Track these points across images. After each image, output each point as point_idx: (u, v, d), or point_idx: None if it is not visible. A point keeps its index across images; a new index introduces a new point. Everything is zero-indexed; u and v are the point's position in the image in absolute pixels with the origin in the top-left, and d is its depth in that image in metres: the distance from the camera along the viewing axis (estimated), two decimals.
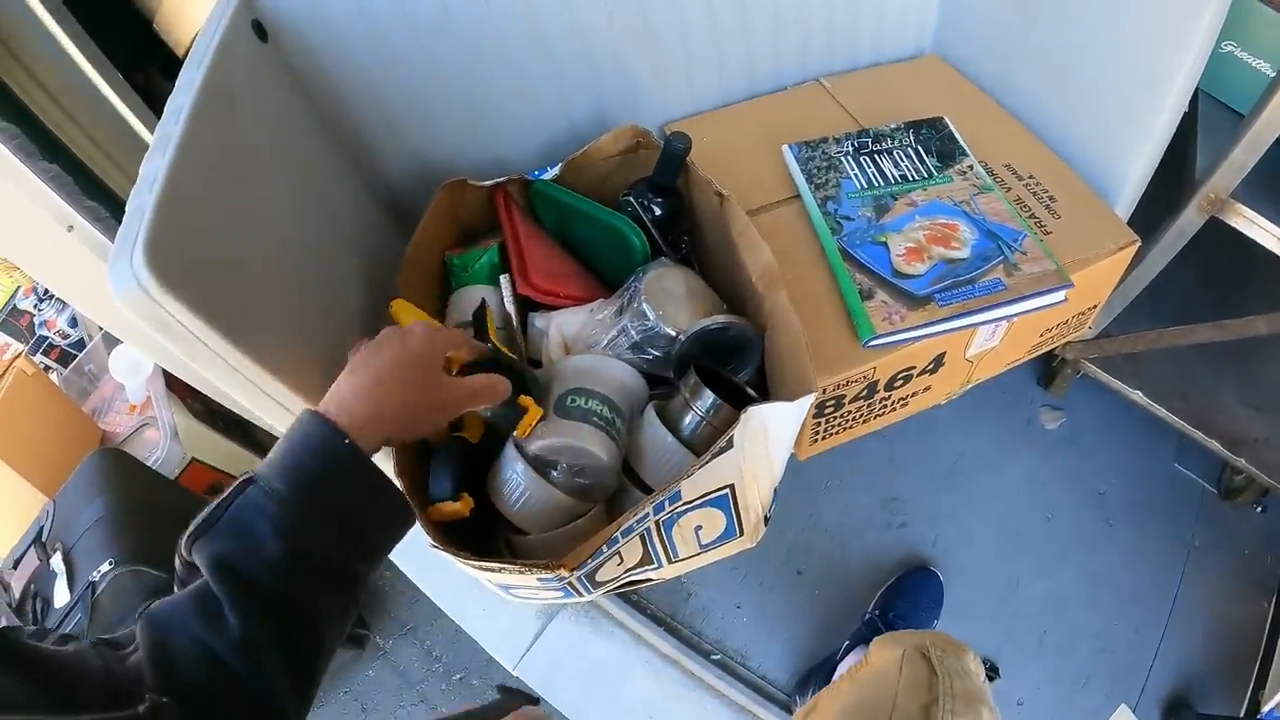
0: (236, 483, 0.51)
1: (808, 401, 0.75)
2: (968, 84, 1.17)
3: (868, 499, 1.35)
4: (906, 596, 1.23)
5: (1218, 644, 1.34)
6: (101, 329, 1.36)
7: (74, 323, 1.37)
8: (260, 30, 0.82)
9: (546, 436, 0.77)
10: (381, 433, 0.56)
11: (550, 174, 1.00)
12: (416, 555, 1.23)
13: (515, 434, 0.75)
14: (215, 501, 0.50)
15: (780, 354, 0.84)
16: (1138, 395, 1.29)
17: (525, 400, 0.74)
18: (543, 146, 1.08)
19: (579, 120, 1.08)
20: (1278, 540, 1.40)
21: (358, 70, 0.91)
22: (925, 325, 0.86)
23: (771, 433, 0.76)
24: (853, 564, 1.30)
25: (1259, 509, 1.43)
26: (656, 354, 0.87)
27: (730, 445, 0.72)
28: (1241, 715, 1.26)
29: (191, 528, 0.49)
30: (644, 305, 0.85)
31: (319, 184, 0.89)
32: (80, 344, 1.37)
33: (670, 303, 0.86)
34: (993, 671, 1.27)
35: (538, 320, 0.92)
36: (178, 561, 0.50)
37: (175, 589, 0.50)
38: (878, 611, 1.21)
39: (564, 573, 0.72)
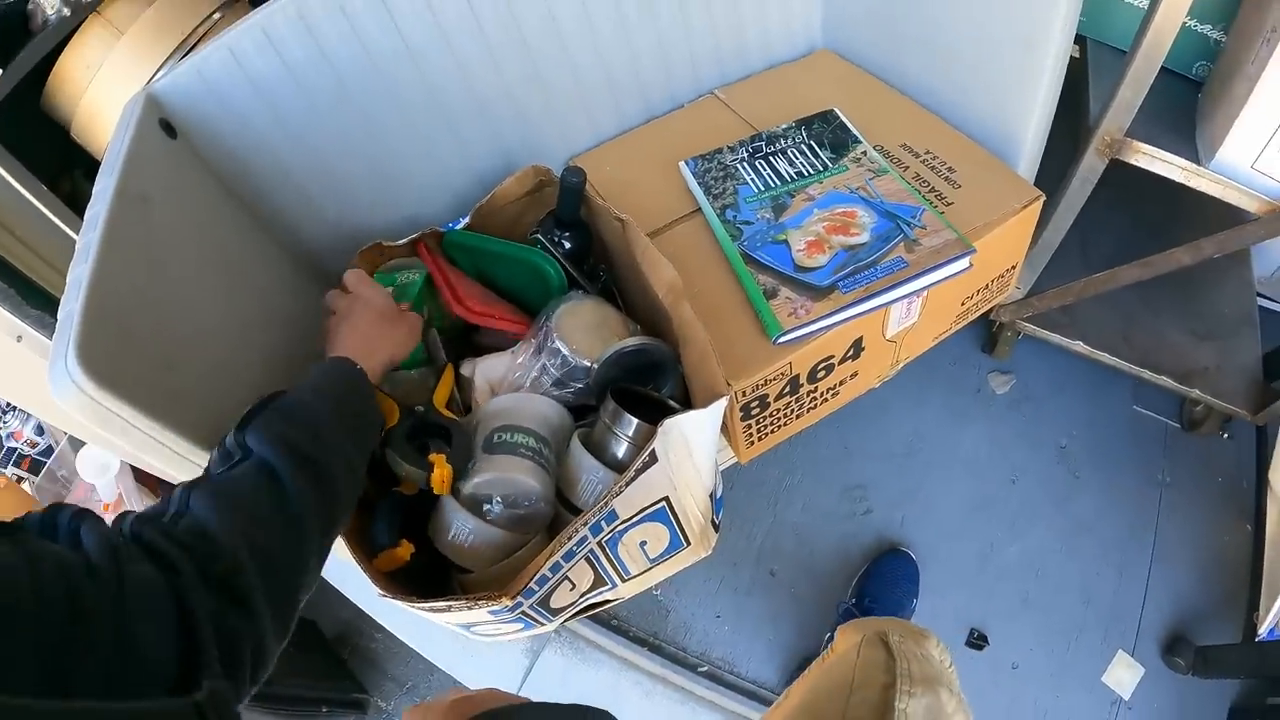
0: (271, 394, 0.62)
1: (720, 406, 0.75)
2: (859, 72, 1.17)
3: (829, 490, 1.35)
4: (881, 580, 1.22)
5: (1206, 575, 1.33)
6: (66, 433, 1.36)
7: (40, 430, 1.38)
8: (169, 128, 0.84)
9: (478, 475, 0.78)
10: (379, 367, 0.74)
11: (462, 224, 1.02)
12: (402, 615, 1.23)
13: (434, 490, 0.76)
14: (258, 401, 0.61)
15: (692, 365, 0.85)
16: (1079, 346, 1.29)
17: (434, 458, 0.75)
18: (454, 199, 1.09)
19: (484, 169, 1.09)
20: (1249, 463, 1.39)
21: (267, 153, 0.93)
22: (831, 314, 0.86)
23: (692, 441, 0.76)
24: (824, 557, 1.30)
25: (1225, 435, 1.42)
26: (578, 386, 0.88)
27: (654, 459, 0.73)
28: (1240, 640, 1.24)
29: (239, 421, 0.58)
30: (557, 342, 0.86)
31: (243, 265, 0.91)
32: (49, 451, 1.37)
33: (581, 335, 0.87)
34: (982, 640, 1.26)
35: (463, 368, 0.93)
36: (215, 455, 0.59)
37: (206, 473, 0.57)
38: (854, 600, 1.21)
39: (507, 601, 0.73)
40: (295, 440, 0.56)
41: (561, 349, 0.85)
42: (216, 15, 1.07)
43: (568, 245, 0.97)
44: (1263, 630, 1.15)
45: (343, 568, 1.25)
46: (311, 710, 1.29)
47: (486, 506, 0.79)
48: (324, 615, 1.44)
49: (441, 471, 0.75)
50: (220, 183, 0.91)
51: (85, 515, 0.46)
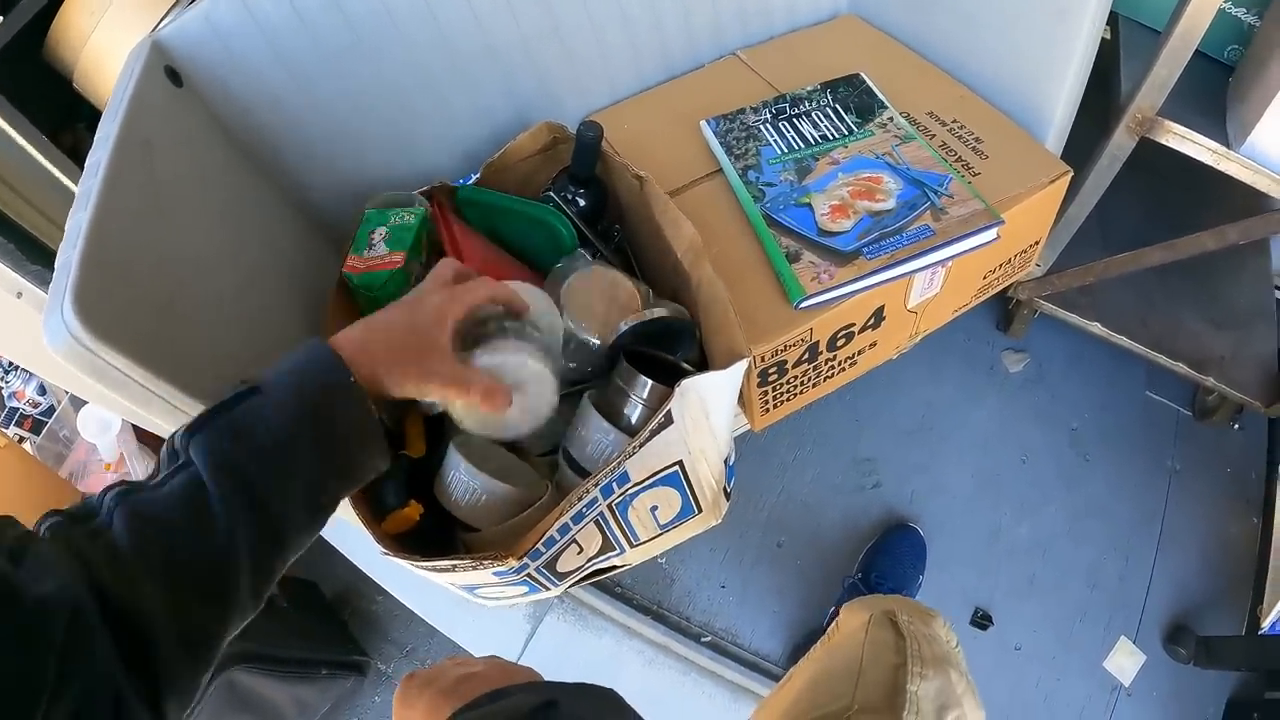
0: (238, 389, 0.50)
1: (740, 368, 0.72)
2: (886, 39, 1.12)
3: (838, 463, 1.31)
4: (888, 556, 1.19)
5: (1212, 565, 1.29)
6: (68, 392, 1.32)
7: (42, 390, 1.34)
8: (174, 76, 0.80)
9: (479, 358, 0.68)
10: (392, 385, 0.55)
11: (473, 180, 0.97)
12: (403, 577, 1.20)
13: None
14: (216, 403, 0.50)
15: (712, 326, 0.81)
16: (1096, 327, 1.25)
17: (414, 506, 0.73)
18: (467, 155, 1.05)
19: (500, 123, 1.04)
20: (1259, 455, 1.36)
21: (276, 103, 0.88)
22: (855, 280, 0.81)
23: (710, 404, 0.72)
24: (831, 530, 1.26)
25: (1235, 426, 1.38)
26: (588, 368, 0.83)
27: (670, 420, 0.69)
28: (1242, 633, 1.21)
29: (191, 421, 0.48)
30: (566, 321, 0.81)
31: (248, 217, 0.87)
32: (51, 410, 1.34)
33: (590, 308, 0.82)
34: (986, 620, 1.23)
35: None
36: (164, 452, 0.49)
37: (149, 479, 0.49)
38: (860, 574, 1.17)
39: (513, 562, 0.70)
40: (233, 459, 0.47)
41: (571, 327, 0.80)
42: None
43: (581, 203, 0.92)
44: (1265, 624, 1.12)
45: (343, 527, 1.22)
46: (312, 672, 1.26)
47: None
48: (324, 576, 1.41)
49: (413, 512, 0.73)
50: (226, 133, 0.87)
51: (25, 552, 0.40)
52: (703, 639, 1.21)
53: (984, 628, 1.22)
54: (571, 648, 1.20)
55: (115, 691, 0.38)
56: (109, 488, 0.46)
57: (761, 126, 0.97)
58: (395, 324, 0.58)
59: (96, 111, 1.07)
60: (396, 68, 0.93)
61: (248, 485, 0.47)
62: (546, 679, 0.51)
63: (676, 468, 0.75)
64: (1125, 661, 1.23)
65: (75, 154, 1.10)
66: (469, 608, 1.23)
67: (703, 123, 0.99)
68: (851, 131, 0.96)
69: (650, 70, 1.09)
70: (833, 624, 0.89)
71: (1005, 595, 1.24)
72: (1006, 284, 1.06)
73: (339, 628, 1.40)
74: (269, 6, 0.82)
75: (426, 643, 1.37)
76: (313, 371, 0.52)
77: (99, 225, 0.60)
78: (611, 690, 0.47)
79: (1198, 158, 1.01)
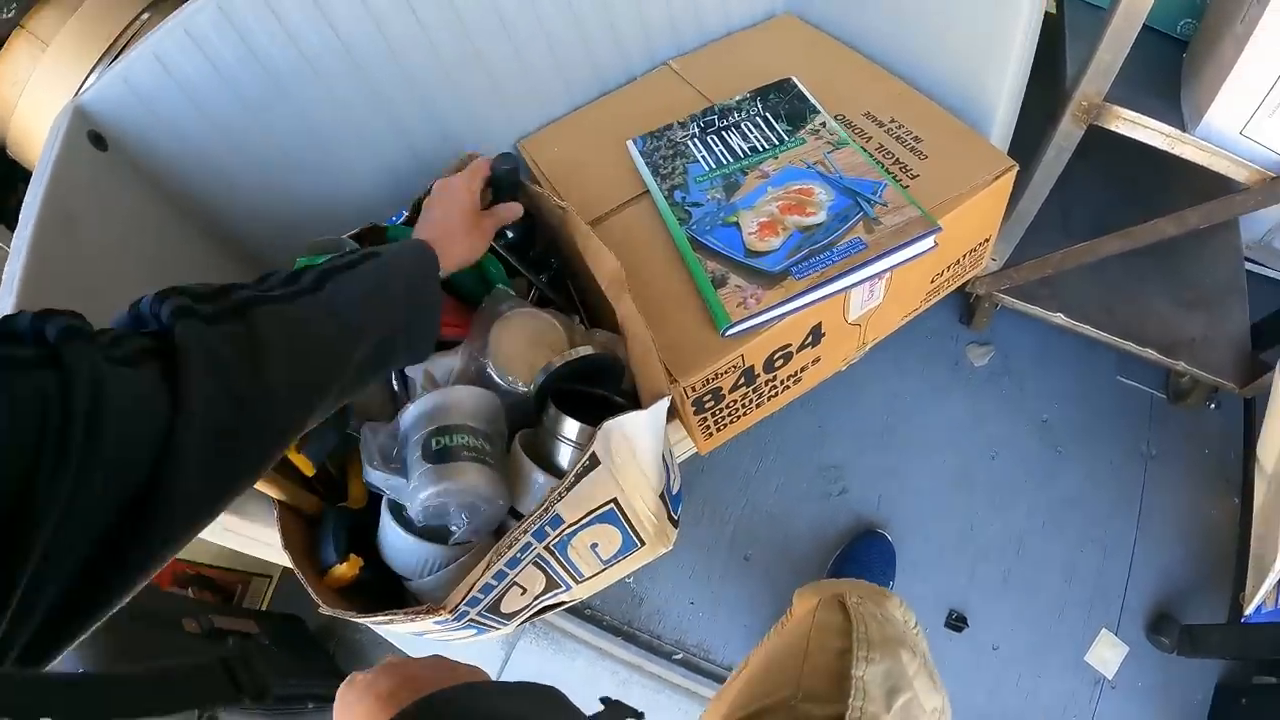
0: (362, 251, 0.63)
1: (662, 407, 0.70)
2: (823, 37, 1.09)
3: (803, 472, 1.28)
4: (855, 564, 1.17)
5: (1193, 551, 1.26)
6: None
7: None
8: (99, 140, 0.79)
9: (426, 489, 0.72)
10: (450, 264, 0.73)
11: (404, 217, 0.95)
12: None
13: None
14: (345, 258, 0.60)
15: (636, 361, 0.79)
16: (1060, 318, 1.21)
17: (352, 561, 0.75)
18: (399, 185, 1.02)
19: (429, 158, 1.01)
20: (1237, 434, 1.32)
21: (202, 157, 0.88)
22: (784, 303, 0.79)
23: (636, 442, 0.71)
24: (799, 540, 1.24)
25: (1212, 405, 1.34)
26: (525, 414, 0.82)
27: (596, 462, 0.68)
28: (1226, 620, 1.19)
29: (325, 265, 0.58)
30: (490, 370, 0.79)
31: (184, 273, 0.85)
32: None
33: (516, 354, 0.80)
34: (961, 621, 1.20)
35: (407, 369, 0.87)
36: (282, 276, 0.56)
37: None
38: None
39: (444, 614, 0.69)
40: (370, 292, 0.59)
41: (495, 378, 0.79)
42: (145, 16, 1.01)
43: (509, 235, 0.89)
44: (1248, 611, 1.09)
45: None
46: (298, 707, 1.26)
47: (454, 528, 0.73)
48: (309, 610, 1.40)
49: (354, 564, 0.74)
50: (155, 190, 0.87)
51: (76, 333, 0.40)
52: (675, 656, 1.19)
53: (959, 629, 1.20)
54: (546, 671, 1.19)
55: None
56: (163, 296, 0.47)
57: (689, 142, 0.94)
58: (451, 215, 0.76)
59: None
60: (318, 107, 0.91)
61: (370, 297, 0.59)
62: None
63: (611, 505, 0.73)
64: (1107, 654, 1.21)
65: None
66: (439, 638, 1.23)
67: (629, 142, 0.96)
68: (782, 141, 0.93)
69: (581, 88, 1.06)
70: (787, 610, 0.88)
71: (980, 595, 1.22)
72: (958, 284, 1.03)
73: (325, 659, 1.39)
74: (185, 63, 0.81)
75: None
76: (425, 255, 0.69)
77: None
78: (553, 688, 0.46)
79: (1150, 143, 0.97)
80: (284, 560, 0.77)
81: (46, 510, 0.34)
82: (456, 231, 0.75)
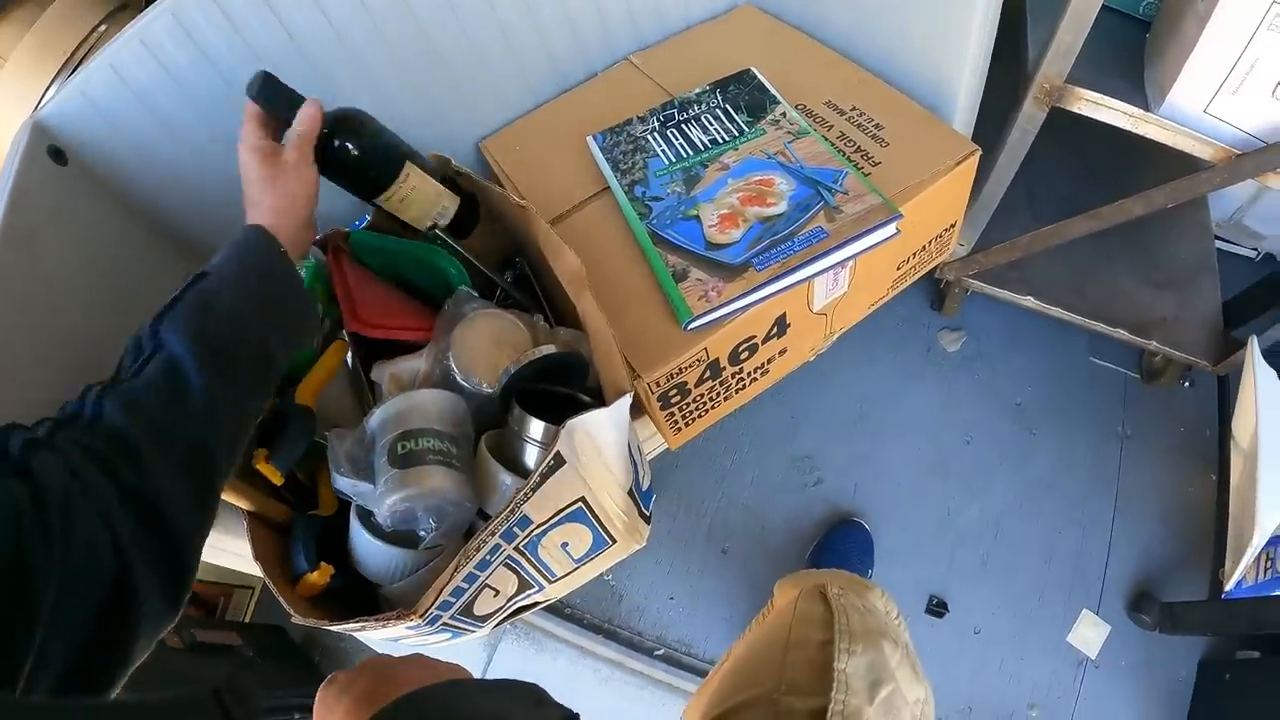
0: (188, 278, 0.59)
1: (624, 404, 0.70)
2: (782, 27, 1.08)
3: (776, 463, 1.28)
4: (833, 553, 1.16)
5: (1172, 528, 1.27)
6: None
7: None
8: (59, 155, 0.79)
9: (392, 494, 0.71)
10: (280, 213, 0.67)
11: (366, 221, 0.95)
12: None
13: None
14: (174, 293, 0.58)
15: (599, 358, 0.78)
16: (1029, 301, 1.21)
17: (323, 569, 0.75)
18: None
19: None
20: (1212, 411, 1.32)
21: (162, 166, 0.87)
22: (745, 295, 0.78)
23: (600, 440, 0.70)
24: (776, 532, 1.23)
25: (1186, 384, 1.35)
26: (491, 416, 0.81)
27: (560, 460, 0.67)
28: (1206, 596, 1.19)
29: (156, 313, 0.56)
30: (454, 374, 0.79)
31: (149, 282, 0.84)
32: None
33: (478, 356, 0.80)
34: (941, 607, 1.21)
35: (373, 373, 0.86)
36: (127, 351, 0.56)
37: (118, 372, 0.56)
38: None
39: (414, 619, 0.68)
40: (207, 332, 0.55)
41: (460, 380, 0.78)
42: (102, 28, 1.00)
43: (351, 150, 0.84)
44: (1229, 586, 1.10)
45: None
46: (285, 718, 1.25)
47: (422, 532, 0.72)
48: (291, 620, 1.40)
49: (325, 573, 0.74)
50: (117, 201, 0.86)
51: (37, 445, 0.48)
52: (656, 652, 1.19)
53: (940, 615, 1.20)
54: (528, 671, 1.19)
55: (129, 565, 0.46)
56: (87, 389, 0.53)
57: (649, 137, 0.94)
58: (249, 178, 0.68)
59: None
60: None
61: (217, 350, 0.55)
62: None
63: (580, 504, 0.73)
64: (1089, 634, 1.21)
65: None
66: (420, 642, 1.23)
67: (589, 138, 0.96)
68: (743, 132, 0.92)
69: (541, 84, 1.06)
70: (768, 603, 0.87)
71: (960, 580, 1.22)
72: (925, 270, 1.03)
73: (309, 669, 1.38)
74: (139, 72, 0.80)
75: None
76: (250, 247, 0.63)
77: None
78: (534, 685, 0.46)
79: (1114, 124, 0.97)
80: (255, 570, 0.77)
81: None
82: (266, 189, 0.67)
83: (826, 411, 1.32)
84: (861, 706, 0.60)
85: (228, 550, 0.82)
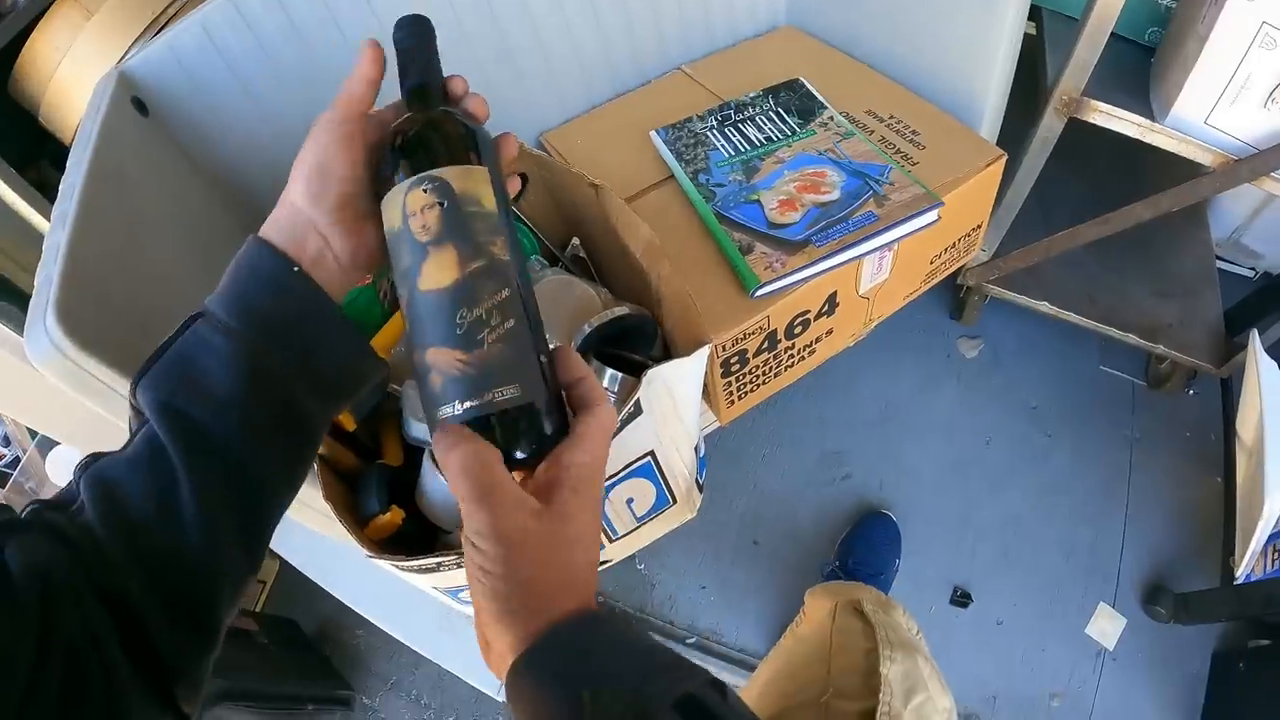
0: (185, 320, 0.44)
1: (704, 353, 0.74)
2: (823, 46, 1.17)
3: (806, 459, 1.34)
4: (864, 542, 1.21)
5: (1180, 525, 1.33)
6: (34, 440, 1.31)
7: (6, 441, 1.33)
8: (141, 106, 0.81)
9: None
10: (320, 258, 0.46)
11: None
12: (386, 605, 1.20)
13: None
14: (164, 341, 0.43)
15: (674, 319, 0.83)
16: (1045, 306, 1.29)
17: (395, 511, 0.74)
18: None
19: None
20: (1215, 417, 1.40)
21: (240, 131, 0.90)
22: (807, 266, 0.85)
23: (676, 392, 0.75)
24: (805, 524, 1.28)
25: (1190, 391, 1.43)
26: None
27: (639, 410, 0.71)
28: (1218, 585, 1.24)
29: (138, 370, 0.42)
30: None
31: (217, 238, 0.87)
32: (15, 462, 1.32)
33: (550, 321, 0.85)
34: (966, 598, 1.25)
35: None
36: (130, 409, 0.43)
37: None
38: (838, 562, 1.19)
39: None
40: (180, 404, 0.40)
41: None
42: None
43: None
44: (1239, 573, 1.15)
45: (322, 562, 1.20)
46: (297, 708, 1.25)
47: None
48: (304, 613, 1.40)
49: (396, 516, 0.73)
50: (189, 159, 0.88)
51: (10, 535, 0.38)
52: (688, 640, 1.22)
53: (964, 605, 1.25)
54: None
55: (106, 665, 0.36)
56: (81, 462, 0.41)
57: (709, 133, 1.02)
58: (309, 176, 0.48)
59: (61, 148, 1.08)
60: None
61: (199, 432, 0.40)
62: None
63: (649, 458, 0.77)
64: (1106, 626, 1.26)
65: (42, 188, 1.10)
66: (454, 631, 1.23)
67: (652, 133, 1.03)
68: (794, 132, 1.00)
69: (599, 88, 1.13)
70: (800, 613, 0.92)
71: (982, 573, 1.27)
72: (954, 268, 1.11)
73: (322, 663, 1.38)
74: (230, 36, 0.84)
75: (410, 674, 1.36)
76: (250, 269, 0.44)
77: (76, 246, 0.61)
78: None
79: (1125, 133, 1.06)
80: (321, 513, 0.77)
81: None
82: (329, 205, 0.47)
83: (853, 411, 1.38)
84: (901, 711, 0.65)
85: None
